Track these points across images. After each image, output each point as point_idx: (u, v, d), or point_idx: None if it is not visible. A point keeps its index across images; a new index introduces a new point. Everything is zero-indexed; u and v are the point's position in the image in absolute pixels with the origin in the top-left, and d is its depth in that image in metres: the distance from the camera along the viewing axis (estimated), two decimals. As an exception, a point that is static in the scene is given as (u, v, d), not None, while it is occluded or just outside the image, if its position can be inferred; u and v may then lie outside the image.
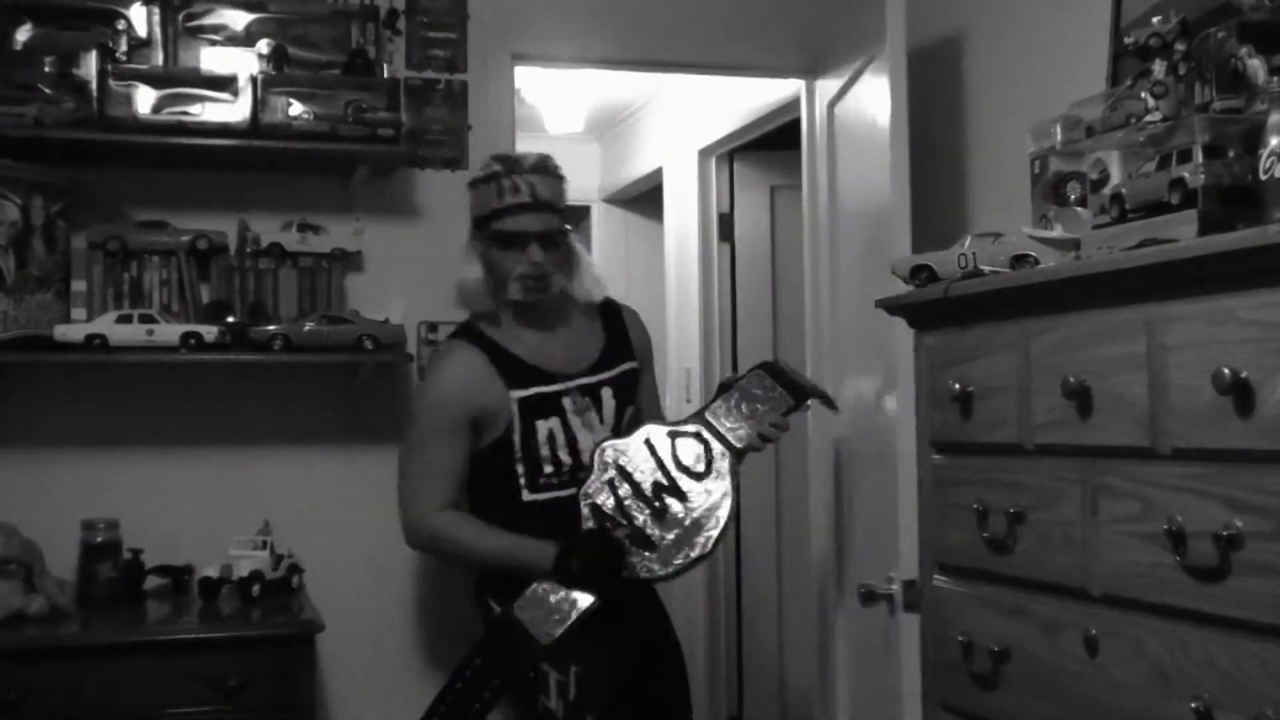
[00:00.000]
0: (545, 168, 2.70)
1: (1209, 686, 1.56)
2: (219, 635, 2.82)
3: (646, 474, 2.55)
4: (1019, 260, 1.99)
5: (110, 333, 2.96)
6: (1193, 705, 1.57)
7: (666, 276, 5.41)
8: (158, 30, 3.14)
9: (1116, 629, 1.73)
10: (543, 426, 2.63)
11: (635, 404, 2.79)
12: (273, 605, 2.96)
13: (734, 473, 2.59)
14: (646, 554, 2.51)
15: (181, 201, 3.26)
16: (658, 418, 2.84)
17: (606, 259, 5.86)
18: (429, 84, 3.46)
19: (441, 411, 2.65)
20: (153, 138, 2.99)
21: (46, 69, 2.95)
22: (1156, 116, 1.93)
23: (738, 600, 4.98)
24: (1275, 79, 1.78)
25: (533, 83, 5.02)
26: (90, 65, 2.95)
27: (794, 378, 2.76)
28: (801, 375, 2.86)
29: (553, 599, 2.49)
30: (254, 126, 3.03)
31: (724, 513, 2.55)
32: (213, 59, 3.14)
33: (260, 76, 3.05)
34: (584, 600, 2.49)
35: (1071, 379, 1.79)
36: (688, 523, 2.53)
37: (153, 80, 3.00)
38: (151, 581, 3.08)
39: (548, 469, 2.63)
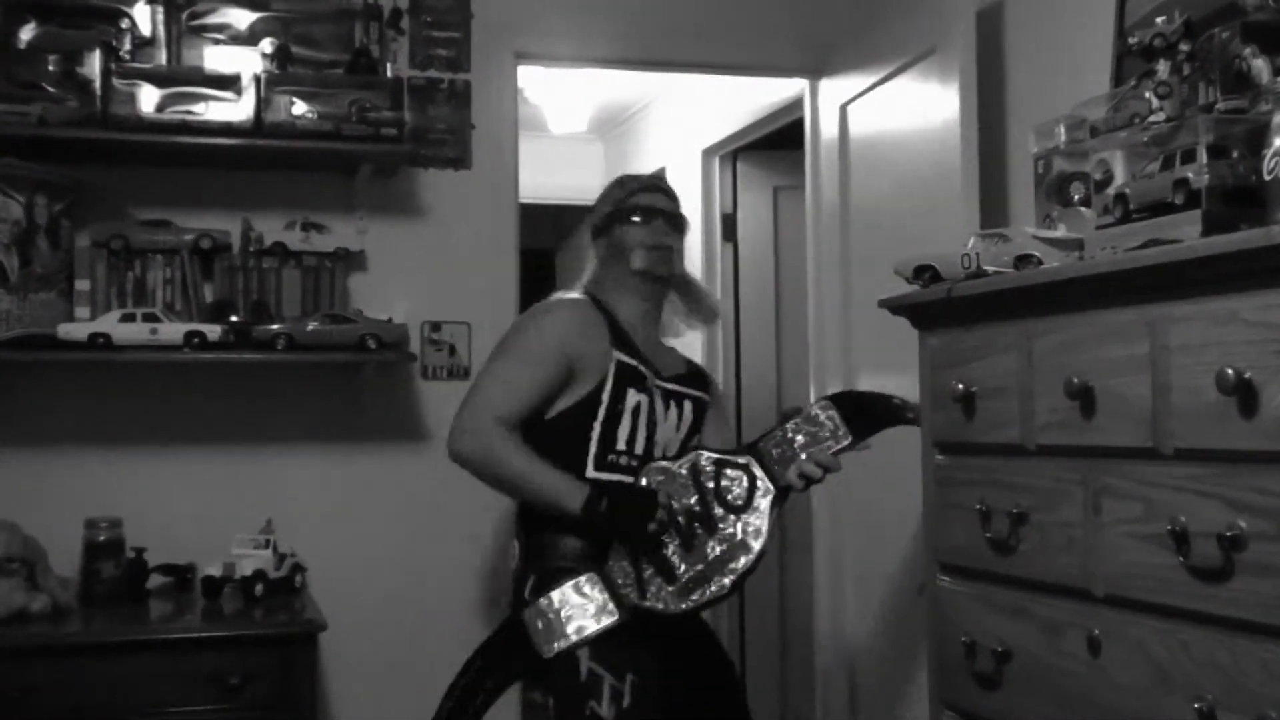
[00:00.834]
0: (674, 196, 2.81)
1: (1211, 687, 1.56)
2: (221, 634, 2.81)
3: (684, 501, 2.44)
4: (1022, 260, 1.99)
5: (114, 332, 2.96)
6: (1195, 706, 1.57)
7: (669, 276, 5.40)
8: (161, 29, 3.14)
9: (1119, 629, 1.73)
10: (633, 396, 2.57)
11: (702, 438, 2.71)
12: (275, 604, 2.95)
13: (772, 513, 2.43)
14: (663, 584, 2.40)
15: (185, 200, 3.26)
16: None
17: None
18: (432, 83, 3.46)
19: (548, 339, 2.57)
20: (156, 136, 2.99)
21: (50, 67, 2.95)
22: (1160, 117, 1.93)
23: (739, 600, 4.98)
24: (1279, 79, 1.78)
25: (536, 82, 5.02)
26: (94, 64, 2.95)
27: (867, 411, 2.54)
28: (880, 400, 2.59)
29: (562, 613, 2.41)
30: (257, 125, 3.03)
31: (751, 554, 2.40)
32: (216, 58, 3.14)
33: (264, 75, 3.06)
34: (592, 623, 2.40)
35: (1074, 379, 1.79)
36: (712, 557, 2.40)
37: (156, 79, 3.00)
38: (154, 580, 3.08)
39: (621, 444, 2.56)
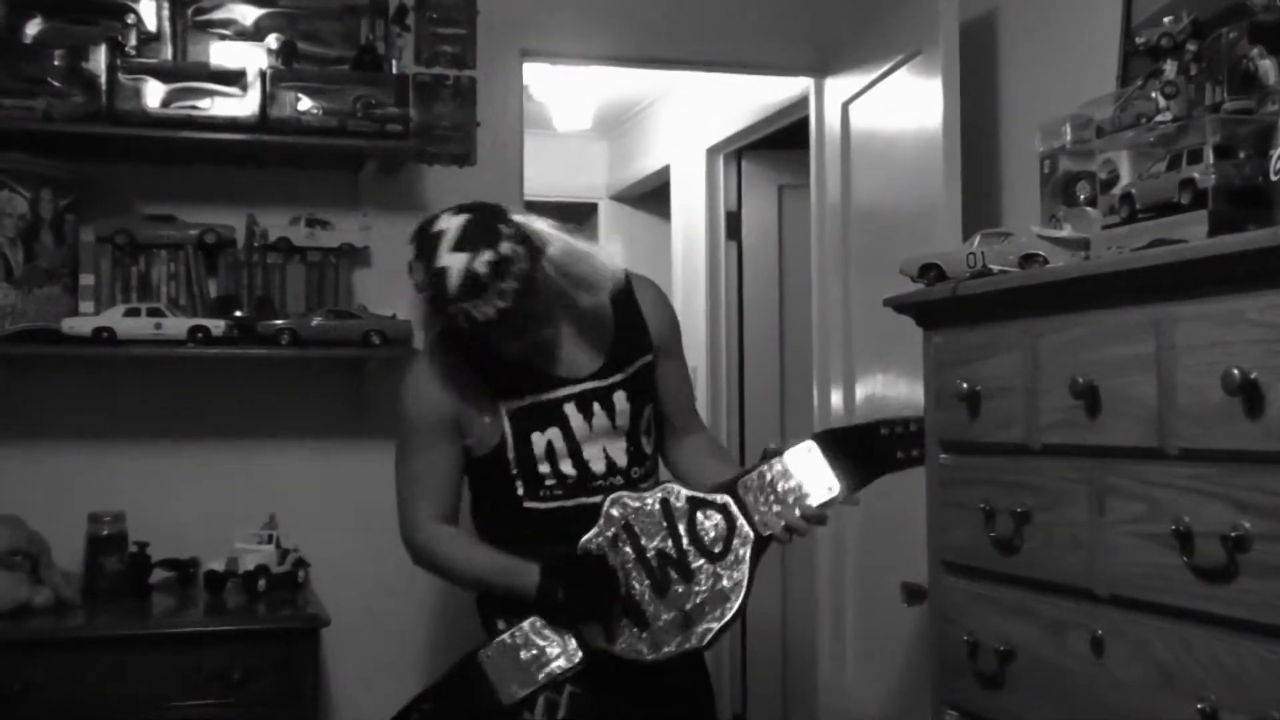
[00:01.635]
0: (475, 284, 2.15)
1: (1215, 688, 1.56)
2: (224, 629, 2.82)
3: (655, 540, 2.22)
4: (1028, 260, 1.99)
5: (118, 326, 2.96)
6: (1198, 706, 1.57)
7: (673, 275, 5.41)
8: (167, 24, 3.14)
9: (1123, 629, 1.73)
10: (539, 440, 2.32)
11: (658, 403, 2.47)
12: (278, 599, 2.96)
13: (753, 562, 2.22)
14: (636, 630, 2.19)
15: (190, 195, 3.26)
16: (688, 411, 2.56)
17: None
18: (437, 80, 3.46)
19: (422, 419, 2.33)
20: (161, 132, 2.99)
21: (56, 62, 2.95)
22: (1167, 117, 1.93)
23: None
24: (1286, 80, 1.78)
25: (541, 79, 5.02)
26: (99, 59, 2.95)
27: (855, 453, 2.34)
28: (869, 437, 2.38)
29: (524, 655, 2.19)
30: (262, 121, 3.03)
31: (732, 606, 2.20)
32: (222, 54, 3.15)
33: (269, 71, 3.06)
34: (557, 663, 2.19)
35: (1079, 379, 1.79)
36: (688, 607, 2.19)
37: (162, 74, 3.01)
38: (157, 574, 3.08)
39: (549, 481, 2.34)
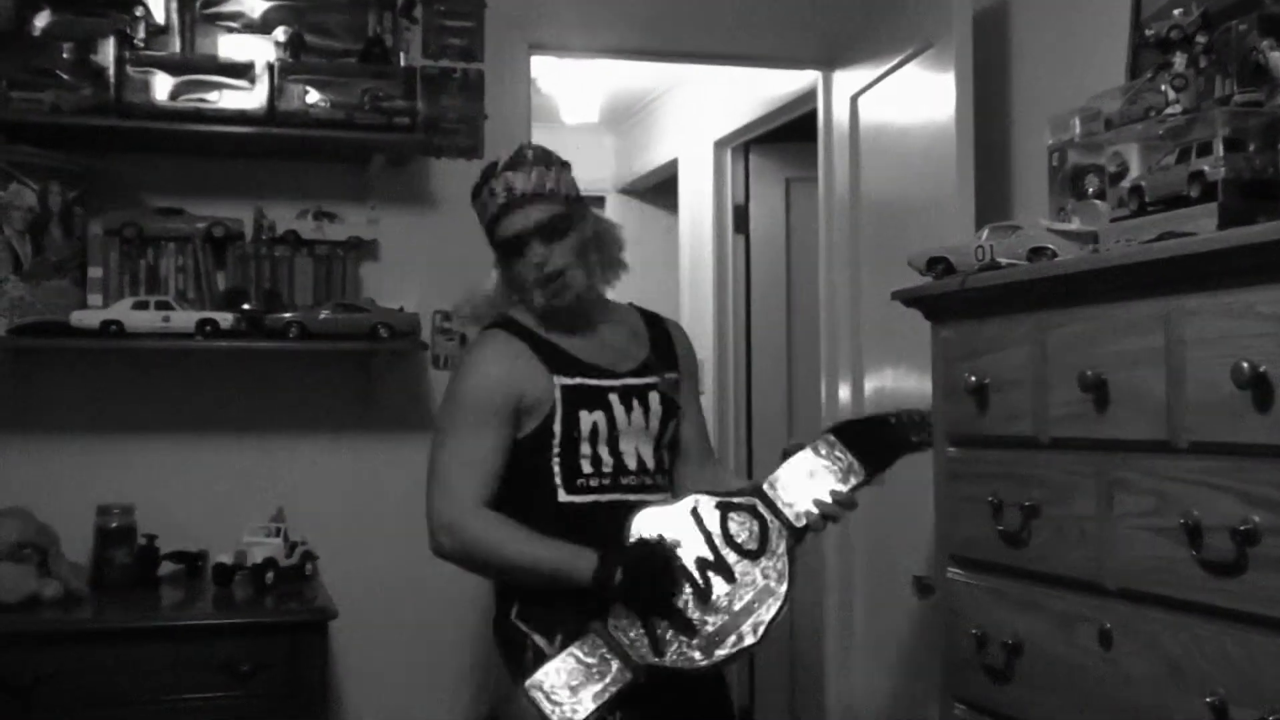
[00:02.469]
0: (522, 159, 2.41)
1: (1224, 681, 1.56)
2: (232, 621, 2.82)
3: (691, 548, 2.20)
4: (1036, 253, 1.99)
5: (126, 319, 2.97)
6: (1207, 700, 1.57)
7: (681, 268, 5.40)
8: (175, 17, 3.14)
9: (1131, 623, 1.73)
10: (586, 418, 2.35)
11: (679, 426, 2.49)
12: (286, 592, 2.96)
13: (792, 553, 2.23)
14: (685, 639, 2.16)
15: (198, 188, 3.26)
16: (703, 439, 2.60)
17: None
18: (445, 73, 3.45)
19: (481, 396, 2.35)
20: (169, 124, 3.00)
21: (64, 55, 2.95)
22: (1177, 109, 1.93)
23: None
24: (1297, 72, 1.77)
25: (549, 72, 5.01)
26: (108, 52, 2.95)
27: (871, 441, 2.37)
28: (881, 426, 2.43)
29: (565, 687, 2.13)
30: (270, 114, 3.03)
31: (779, 599, 2.18)
32: (230, 46, 3.15)
33: (277, 64, 3.06)
34: (608, 689, 2.13)
35: (1088, 372, 1.78)
36: (736, 607, 2.18)
37: (170, 67, 3.01)
38: (166, 567, 3.09)
39: (586, 468, 2.35)
